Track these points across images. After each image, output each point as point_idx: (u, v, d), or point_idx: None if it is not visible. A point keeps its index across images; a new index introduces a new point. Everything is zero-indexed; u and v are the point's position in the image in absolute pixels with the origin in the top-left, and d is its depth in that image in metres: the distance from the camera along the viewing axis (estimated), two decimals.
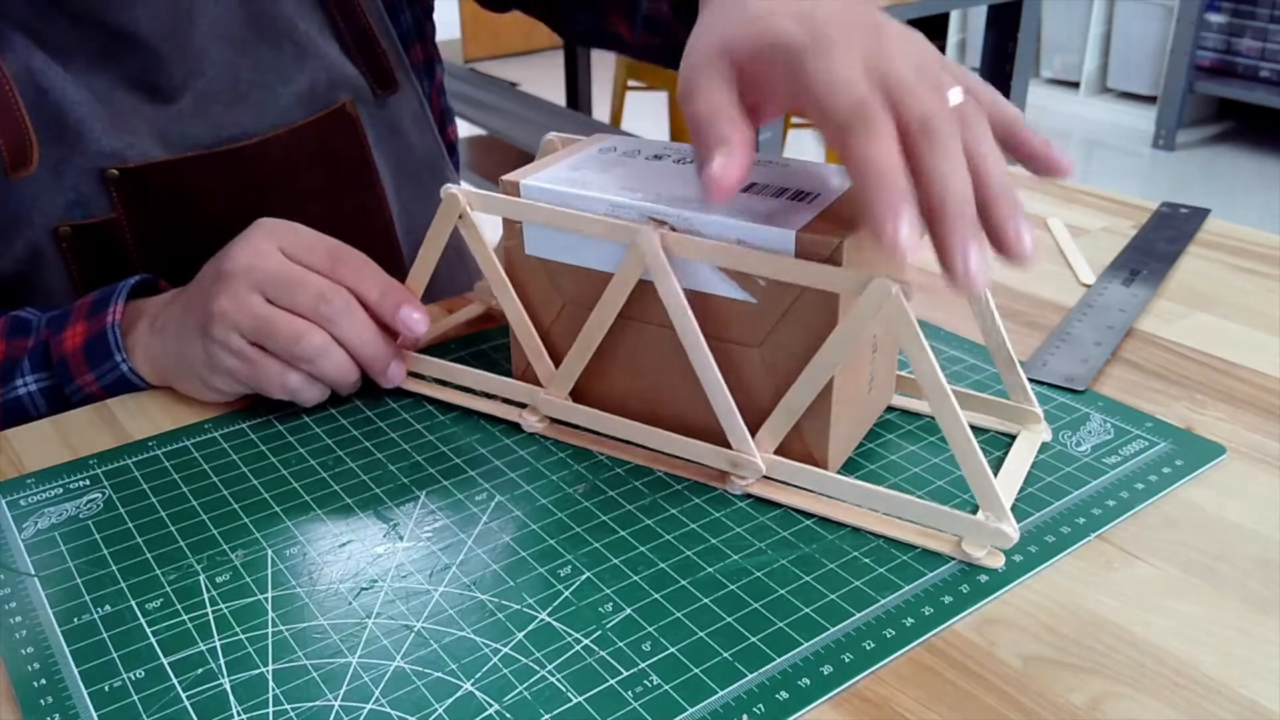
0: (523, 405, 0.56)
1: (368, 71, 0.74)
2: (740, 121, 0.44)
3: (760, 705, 0.38)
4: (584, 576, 0.45)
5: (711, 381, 0.49)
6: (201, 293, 0.57)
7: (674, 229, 0.48)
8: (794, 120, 2.60)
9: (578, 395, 0.54)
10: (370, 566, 0.46)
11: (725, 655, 0.41)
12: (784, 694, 0.39)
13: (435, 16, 0.84)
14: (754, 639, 0.41)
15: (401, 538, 0.47)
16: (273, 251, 0.56)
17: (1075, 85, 4.02)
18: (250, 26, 0.69)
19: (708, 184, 0.43)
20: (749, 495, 0.50)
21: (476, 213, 0.55)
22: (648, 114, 3.73)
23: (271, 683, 0.40)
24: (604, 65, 3.71)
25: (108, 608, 0.44)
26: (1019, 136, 0.46)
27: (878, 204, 0.39)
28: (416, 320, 0.56)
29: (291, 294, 0.55)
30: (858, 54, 0.42)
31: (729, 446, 0.49)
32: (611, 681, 0.40)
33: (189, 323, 0.57)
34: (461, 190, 0.54)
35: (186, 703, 0.39)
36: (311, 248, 0.57)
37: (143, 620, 0.43)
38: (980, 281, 0.40)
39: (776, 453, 0.49)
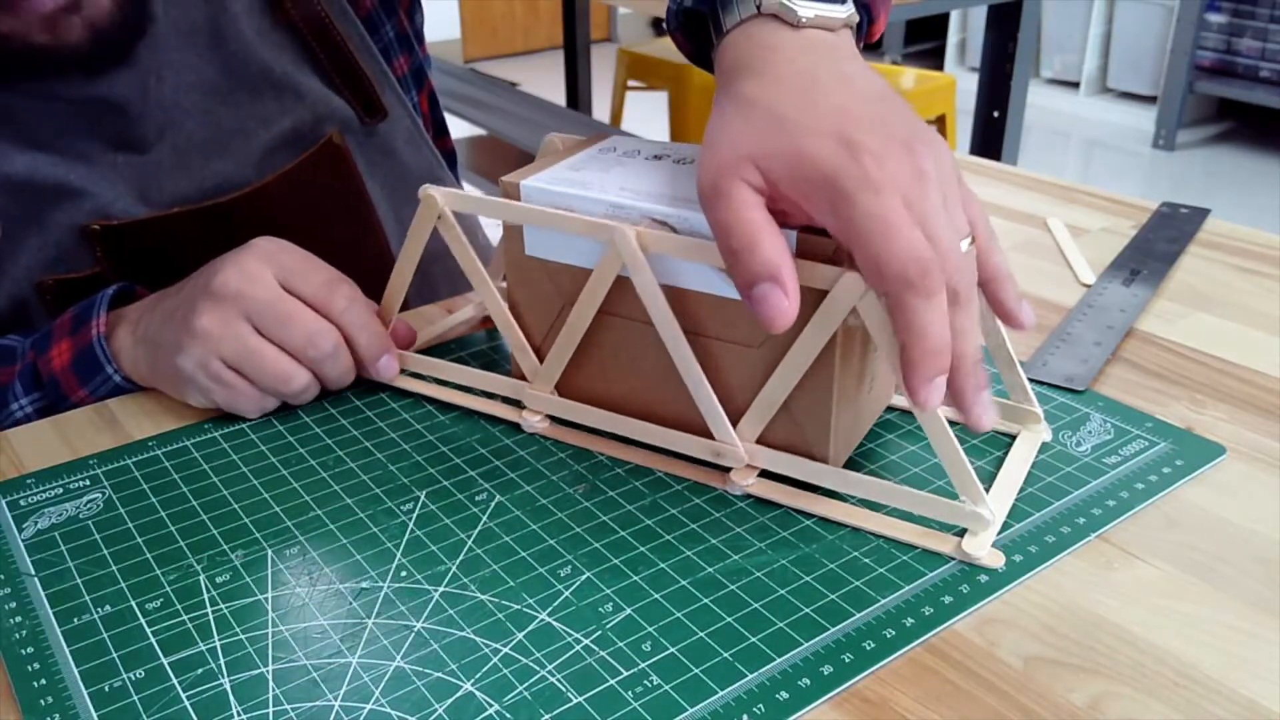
0: (522, 405, 0.56)
1: (353, 100, 0.72)
2: (783, 246, 0.43)
3: (760, 705, 0.38)
4: (584, 576, 0.45)
5: (691, 371, 0.49)
6: (184, 306, 0.56)
7: (675, 230, 0.48)
8: None
9: (573, 394, 0.54)
10: (370, 566, 0.46)
11: (725, 655, 0.41)
12: (784, 694, 0.39)
13: (434, 17, 0.82)
14: (754, 639, 0.41)
15: (401, 538, 0.47)
16: (265, 276, 0.55)
17: (1075, 85, 4.02)
18: (224, 74, 0.67)
19: (764, 321, 0.43)
20: (749, 495, 0.50)
21: (482, 217, 0.55)
22: (648, 114, 3.73)
23: (271, 683, 0.40)
24: (604, 65, 3.71)
25: (108, 608, 0.44)
26: (1000, 288, 0.47)
27: (921, 371, 0.42)
28: (392, 374, 0.58)
29: (283, 329, 0.55)
30: (901, 190, 0.42)
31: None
32: (611, 681, 0.40)
33: (167, 334, 0.56)
34: (439, 191, 0.54)
35: (186, 703, 0.39)
36: (306, 276, 0.56)
37: (143, 620, 0.43)
38: (990, 425, 0.45)
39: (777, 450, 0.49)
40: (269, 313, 0.55)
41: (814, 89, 0.45)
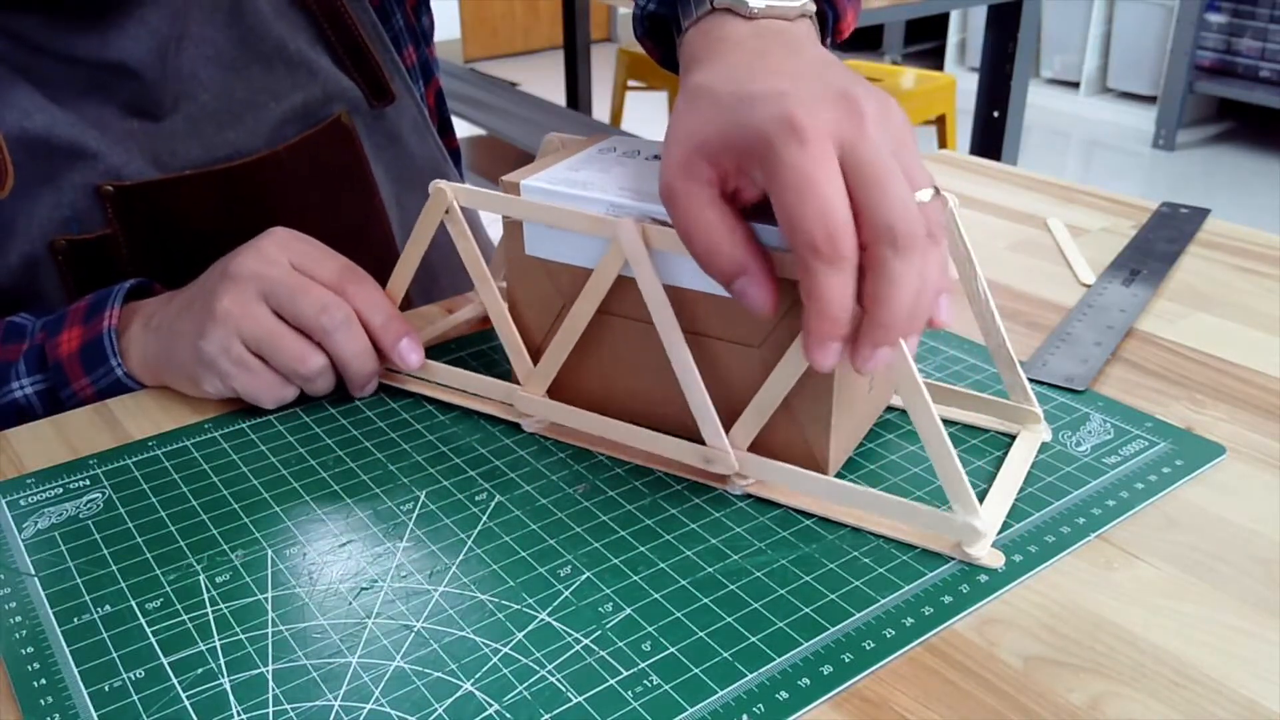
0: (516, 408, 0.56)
1: (363, 83, 0.74)
2: (744, 237, 0.43)
3: (760, 705, 0.38)
4: (584, 576, 0.45)
5: (686, 372, 0.49)
6: (204, 292, 0.57)
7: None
8: None
9: (572, 394, 0.54)
10: (370, 566, 0.46)
11: (725, 655, 0.41)
12: (784, 694, 0.39)
13: (435, 17, 0.83)
14: (754, 639, 0.41)
15: (401, 538, 0.47)
16: (281, 260, 0.56)
17: (1075, 85, 4.02)
18: (240, 47, 0.69)
19: (752, 312, 0.43)
20: (749, 495, 0.50)
21: (483, 215, 0.55)
22: (648, 114, 3.73)
23: (271, 683, 0.40)
24: (604, 65, 3.72)
25: (108, 608, 0.44)
26: None
27: (817, 333, 0.41)
28: (413, 357, 0.57)
29: (294, 301, 0.55)
30: (833, 140, 0.41)
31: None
32: (611, 681, 0.40)
33: (186, 321, 0.57)
34: (449, 185, 0.55)
35: (186, 703, 0.39)
36: (320, 261, 0.57)
37: (143, 620, 0.43)
38: (868, 372, 0.43)
39: (778, 452, 0.49)
40: (283, 289, 0.55)
41: (756, 63, 0.45)
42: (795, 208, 0.40)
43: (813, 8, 0.51)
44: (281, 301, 0.55)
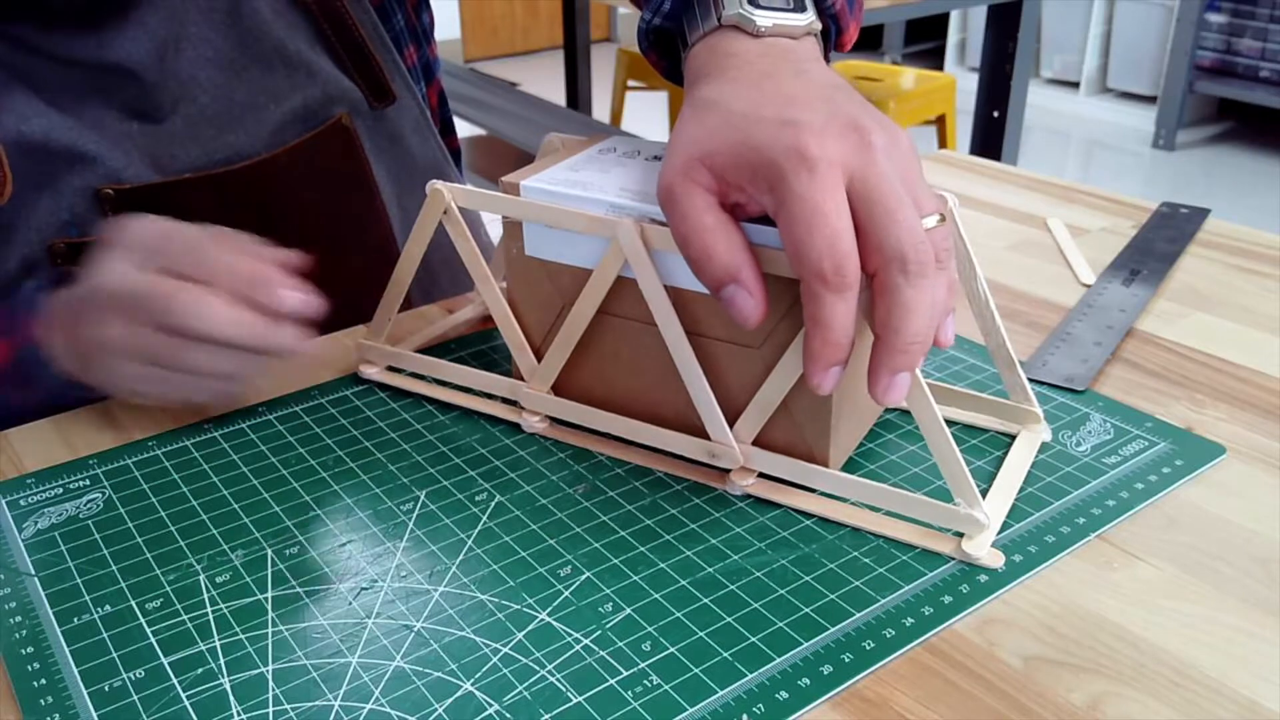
0: (522, 405, 0.56)
1: (363, 84, 0.73)
2: (739, 244, 0.44)
3: (760, 705, 0.38)
4: (584, 576, 0.45)
5: (689, 370, 0.49)
6: (86, 325, 0.53)
7: None
8: None
9: (572, 395, 0.54)
10: (370, 566, 0.46)
11: (725, 655, 0.41)
12: (784, 694, 0.39)
13: (435, 16, 0.83)
14: (754, 639, 0.41)
15: (401, 538, 0.47)
16: (124, 270, 0.53)
17: (1075, 85, 4.02)
18: (240, 49, 0.68)
19: (737, 321, 0.44)
20: (749, 495, 0.50)
21: (484, 215, 0.55)
22: (648, 114, 3.73)
23: (271, 683, 0.40)
24: (604, 65, 3.71)
25: (108, 608, 0.44)
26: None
27: (818, 357, 0.43)
28: (297, 300, 0.51)
29: (147, 313, 0.51)
30: (843, 170, 0.41)
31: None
32: (611, 681, 0.40)
33: (86, 360, 0.54)
34: (446, 186, 0.55)
35: (186, 703, 0.39)
36: (177, 257, 0.53)
37: (143, 620, 0.43)
38: (891, 402, 0.44)
39: (778, 453, 0.49)
40: (125, 300, 0.52)
41: (766, 82, 0.46)
42: (804, 237, 0.41)
43: (819, 26, 0.51)
44: (155, 315, 0.51)
